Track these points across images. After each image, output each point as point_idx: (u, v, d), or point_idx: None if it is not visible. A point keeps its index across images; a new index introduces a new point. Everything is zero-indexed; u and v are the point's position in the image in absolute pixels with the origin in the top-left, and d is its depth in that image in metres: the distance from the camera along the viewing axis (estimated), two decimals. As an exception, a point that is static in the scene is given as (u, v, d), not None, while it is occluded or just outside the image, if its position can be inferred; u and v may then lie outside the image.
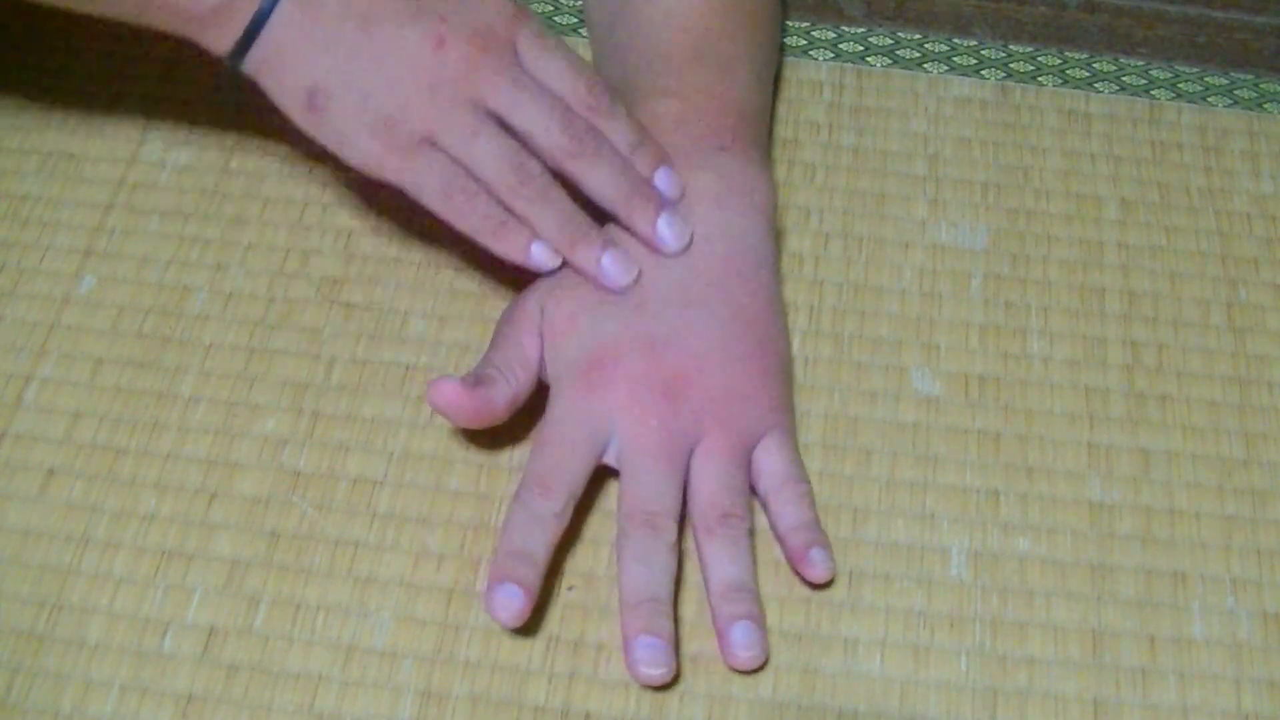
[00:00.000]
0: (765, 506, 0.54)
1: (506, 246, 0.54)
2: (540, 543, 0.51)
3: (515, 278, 0.58)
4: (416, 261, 0.61)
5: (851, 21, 0.70)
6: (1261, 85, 0.69)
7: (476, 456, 0.56)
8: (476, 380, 0.53)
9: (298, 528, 0.54)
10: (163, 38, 0.55)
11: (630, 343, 0.53)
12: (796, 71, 0.68)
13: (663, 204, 0.55)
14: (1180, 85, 0.69)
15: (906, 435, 0.57)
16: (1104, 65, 0.69)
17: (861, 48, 0.69)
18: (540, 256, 0.54)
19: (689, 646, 0.52)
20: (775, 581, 0.53)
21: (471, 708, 0.51)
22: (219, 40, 0.53)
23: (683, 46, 0.60)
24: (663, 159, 0.56)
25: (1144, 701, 0.51)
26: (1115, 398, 0.58)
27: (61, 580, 0.53)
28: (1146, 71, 0.69)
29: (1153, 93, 0.68)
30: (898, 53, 0.69)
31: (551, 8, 0.70)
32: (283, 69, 0.53)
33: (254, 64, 0.53)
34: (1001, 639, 0.53)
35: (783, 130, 0.66)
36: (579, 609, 0.53)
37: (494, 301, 0.60)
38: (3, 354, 0.58)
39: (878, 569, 0.54)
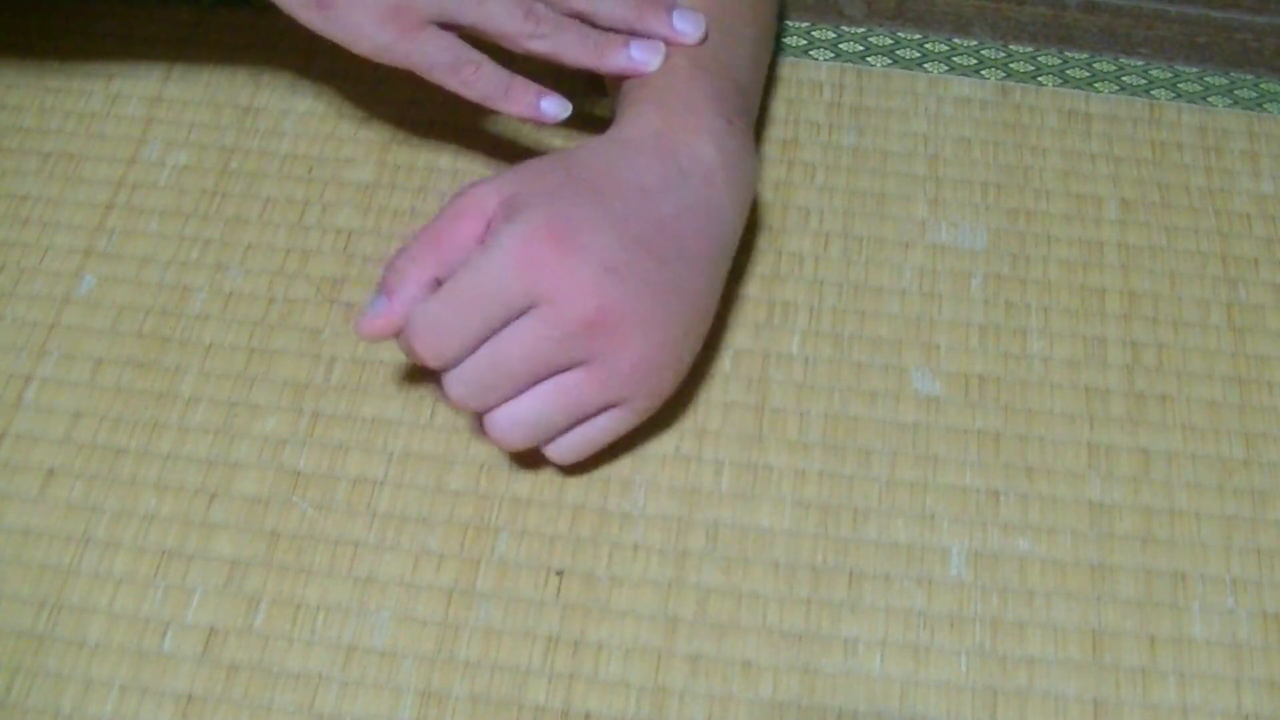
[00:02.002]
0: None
1: (517, 105, 0.57)
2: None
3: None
4: (416, 261, 0.61)
5: (851, 21, 0.70)
6: (1261, 85, 0.69)
7: (477, 456, 0.56)
8: (378, 291, 0.52)
9: (298, 528, 0.54)
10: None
11: (593, 236, 0.51)
12: (796, 71, 0.68)
13: (670, 5, 0.58)
14: (1180, 85, 0.69)
15: (906, 435, 0.57)
16: (1104, 65, 0.69)
17: (861, 48, 0.69)
18: (550, 108, 0.57)
19: (689, 646, 0.52)
20: (775, 581, 0.54)
21: (471, 708, 0.51)
22: None
23: None
24: None
25: (1144, 701, 0.51)
26: (1115, 398, 0.58)
27: (61, 580, 0.53)
28: (1146, 71, 0.69)
29: (1153, 93, 0.68)
30: (898, 53, 0.69)
31: None
32: None
33: None
34: (1001, 639, 0.53)
35: (783, 130, 0.66)
36: (579, 609, 0.53)
37: (494, 301, 0.60)
38: (3, 354, 0.58)
39: (878, 569, 0.54)
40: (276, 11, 0.69)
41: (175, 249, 0.61)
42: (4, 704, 0.50)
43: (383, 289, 0.52)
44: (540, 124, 0.59)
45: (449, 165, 0.64)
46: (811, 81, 0.68)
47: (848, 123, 0.66)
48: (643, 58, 0.57)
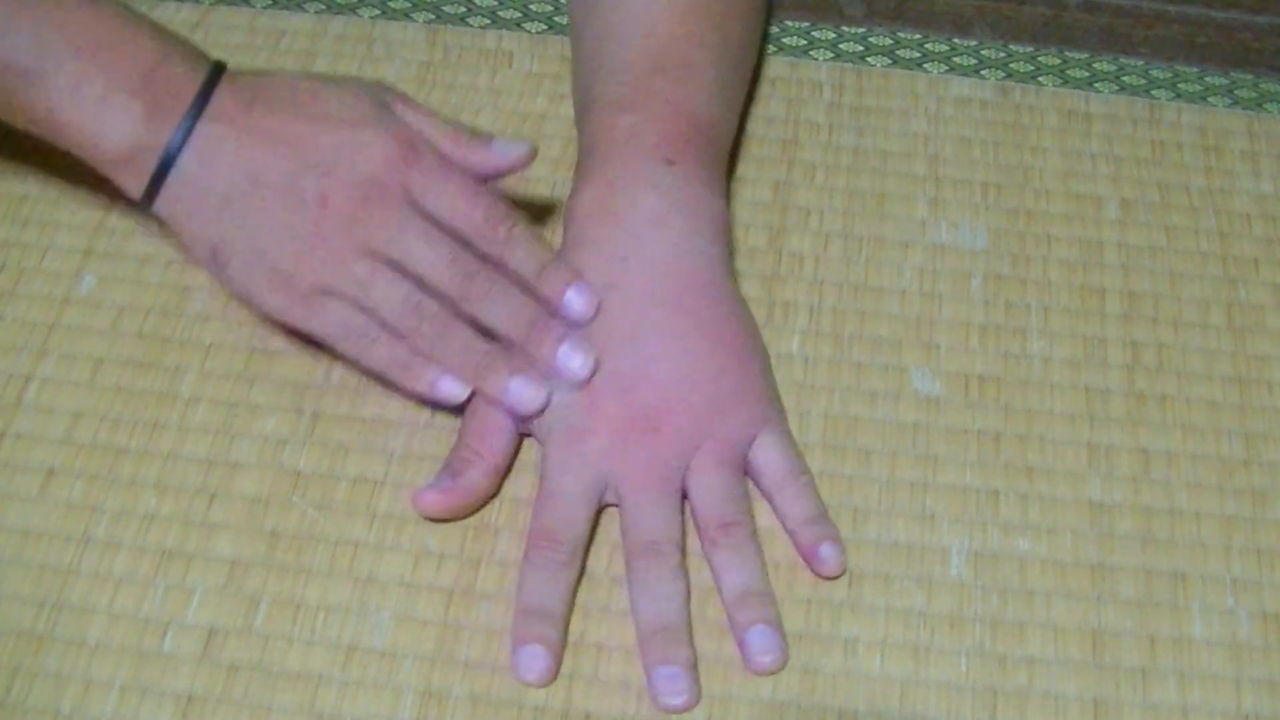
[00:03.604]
0: (770, 502, 0.54)
1: (413, 385, 0.55)
2: (555, 596, 0.52)
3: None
4: (416, 261, 0.61)
5: (851, 21, 0.70)
6: (1261, 85, 0.69)
7: (476, 456, 0.56)
8: (453, 473, 0.54)
9: (298, 528, 0.54)
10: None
11: (603, 385, 0.54)
12: (796, 71, 0.68)
13: (562, 334, 0.54)
14: (1180, 85, 0.69)
15: (906, 435, 0.57)
16: (1104, 65, 0.69)
17: (861, 48, 0.69)
18: (447, 390, 0.54)
19: (689, 646, 0.52)
20: (775, 581, 0.53)
21: (471, 708, 0.51)
22: (130, 184, 0.54)
23: (645, 54, 0.59)
24: (571, 277, 0.55)
25: (1144, 701, 0.51)
26: (1115, 398, 0.58)
27: (61, 580, 0.53)
28: (1146, 71, 0.69)
29: (1153, 93, 0.68)
30: (898, 53, 0.69)
31: (552, 7, 0.70)
32: (188, 221, 0.55)
33: (163, 211, 0.55)
34: (1001, 639, 0.53)
35: (783, 130, 0.66)
36: (579, 609, 0.53)
37: (494, 301, 0.60)
38: (3, 354, 0.58)
39: (878, 569, 0.54)
40: (276, 10, 0.69)
41: (175, 249, 0.61)
42: (4, 704, 0.50)
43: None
44: (442, 404, 0.55)
45: (449, 165, 0.64)
46: (811, 81, 0.68)
47: (848, 123, 0.66)
48: (521, 397, 0.54)
